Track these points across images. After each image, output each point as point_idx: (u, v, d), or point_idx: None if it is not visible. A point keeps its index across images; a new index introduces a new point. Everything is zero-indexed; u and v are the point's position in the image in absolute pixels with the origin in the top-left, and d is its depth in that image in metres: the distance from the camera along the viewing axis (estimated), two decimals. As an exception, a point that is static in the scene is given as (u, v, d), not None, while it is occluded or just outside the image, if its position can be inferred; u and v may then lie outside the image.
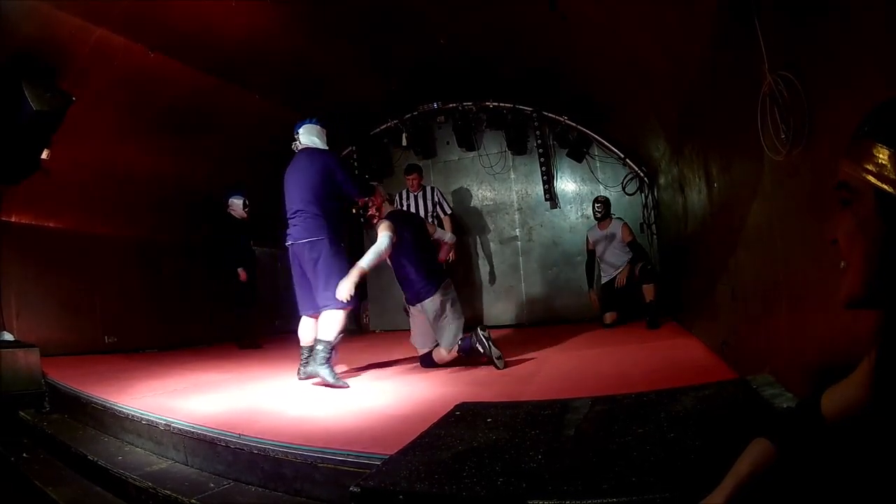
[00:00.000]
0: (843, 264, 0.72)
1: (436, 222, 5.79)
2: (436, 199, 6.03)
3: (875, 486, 0.46)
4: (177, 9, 3.96)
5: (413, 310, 3.81)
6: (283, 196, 3.63)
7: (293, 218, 3.52)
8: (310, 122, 3.75)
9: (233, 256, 5.62)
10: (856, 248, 0.69)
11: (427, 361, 3.77)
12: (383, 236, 3.49)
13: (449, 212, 6.08)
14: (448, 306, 3.66)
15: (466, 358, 3.58)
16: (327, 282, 3.37)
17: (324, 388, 3.28)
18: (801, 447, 0.89)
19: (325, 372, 3.26)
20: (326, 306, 3.40)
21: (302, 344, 3.61)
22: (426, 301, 3.63)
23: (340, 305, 3.35)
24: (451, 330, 3.63)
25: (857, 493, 0.67)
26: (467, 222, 6.78)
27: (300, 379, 3.52)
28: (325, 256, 3.41)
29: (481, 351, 3.46)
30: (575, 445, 1.66)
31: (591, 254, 5.59)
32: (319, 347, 3.32)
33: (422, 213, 5.80)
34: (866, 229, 0.68)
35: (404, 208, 5.78)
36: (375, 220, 3.72)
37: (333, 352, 3.37)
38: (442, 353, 3.67)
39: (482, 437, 1.78)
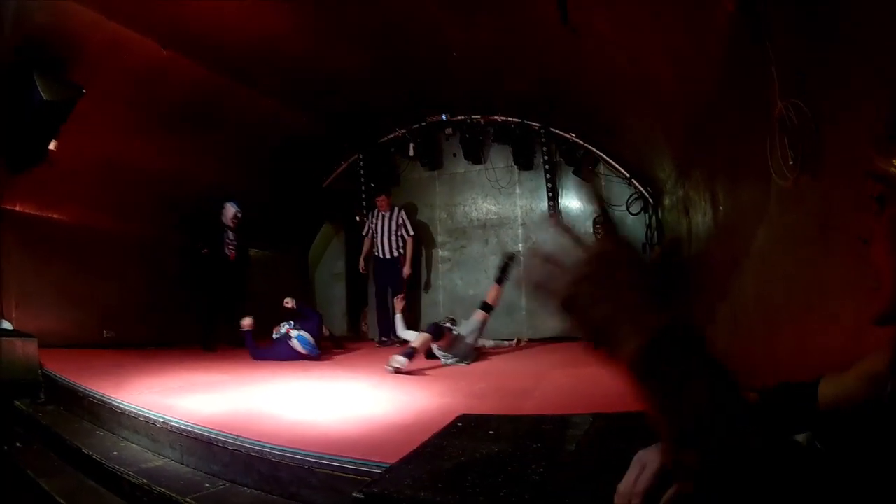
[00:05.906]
0: (876, 285, 0.68)
1: (400, 242, 6.30)
2: (401, 220, 6.39)
3: (881, 485, 0.46)
4: (191, 6, 4.00)
5: None
6: None
7: None
8: None
9: (210, 260, 5.68)
10: (889, 258, 0.64)
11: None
12: None
13: (412, 233, 6.41)
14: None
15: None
16: None
17: (322, 392, 3.32)
18: (789, 413, 0.90)
19: None
20: None
21: None
22: None
23: None
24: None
25: (862, 493, 0.66)
26: (470, 235, 6.81)
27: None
28: None
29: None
30: (576, 459, 1.66)
31: None
32: None
33: (387, 232, 6.27)
34: None
35: (373, 226, 6.36)
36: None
37: None
38: None
39: (484, 449, 1.77)
